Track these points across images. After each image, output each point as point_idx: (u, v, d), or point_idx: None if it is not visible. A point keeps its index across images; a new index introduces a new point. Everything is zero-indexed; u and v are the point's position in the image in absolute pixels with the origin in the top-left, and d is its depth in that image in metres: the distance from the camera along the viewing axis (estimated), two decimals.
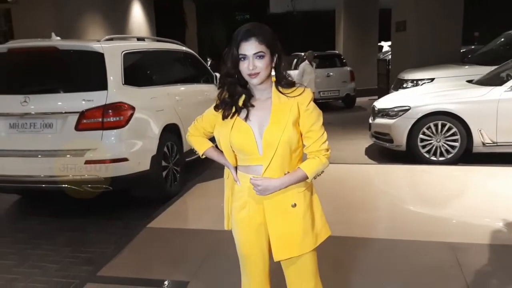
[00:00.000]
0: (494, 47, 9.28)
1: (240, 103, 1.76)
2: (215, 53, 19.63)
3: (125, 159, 4.09)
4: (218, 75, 6.66)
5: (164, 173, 4.63)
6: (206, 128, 1.90)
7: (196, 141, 1.95)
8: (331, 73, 11.82)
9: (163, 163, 4.62)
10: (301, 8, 20.54)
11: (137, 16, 17.33)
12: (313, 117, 1.75)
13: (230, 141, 1.75)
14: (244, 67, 1.69)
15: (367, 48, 14.25)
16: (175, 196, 4.72)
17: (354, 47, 13.97)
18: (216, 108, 1.80)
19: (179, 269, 3.21)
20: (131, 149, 4.18)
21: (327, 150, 1.79)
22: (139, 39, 6.06)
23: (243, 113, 1.76)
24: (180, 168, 5.01)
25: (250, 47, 1.67)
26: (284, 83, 1.75)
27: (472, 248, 3.31)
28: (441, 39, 9.60)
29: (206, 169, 5.47)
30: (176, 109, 5.00)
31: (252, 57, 1.67)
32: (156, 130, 4.50)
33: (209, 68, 6.57)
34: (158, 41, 6.06)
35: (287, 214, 1.79)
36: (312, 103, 1.77)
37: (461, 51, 11.80)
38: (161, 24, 18.86)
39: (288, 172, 1.75)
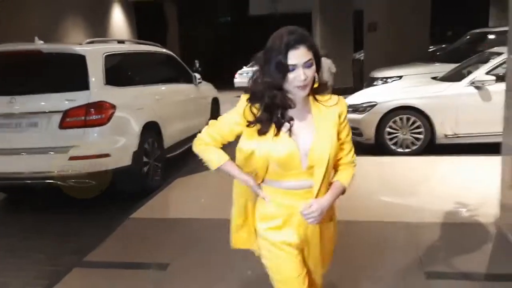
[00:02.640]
0: (460, 45, 9.78)
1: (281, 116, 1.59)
2: (199, 54, 19.90)
3: (107, 155, 4.35)
4: (197, 75, 6.95)
5: (145, 169, 4.90)
6: (226, 137, 1.69)
7: (209, 151, 1.70)
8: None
9: (145, 159, 4.89)
10: (279, 10, 20.96)
11: (118, 18, 17.50)
12: (347, 128, 1.67)
13: (270, 156, 1.58)
14: (292, 78, 1.51)
15: (343, 48, 14.67)
16: (156, 190, 4.99)
17: (331, 47, 14.36)
18: (251, 124, 1.59)
19: (160, 253, 3.49)
20: (113, 145, 4.44)
21: (355, 165, 1.73)
22: (119, 41, 6.30)
23: (284, 127, 1.59)
24: (161, 163, 5.29)
25: (300, 55, 1.49)
26: (321, 90, 1.62)
27: (426, 227, 3.67)
28: (410, 38, 10.06)
29: (186, 165, 5.75)
30: (156, 108, 5.27)
31: (302, 66, 1.50)
32: (136, 127, 4.76)
33: (187, 68, 6.85)
34: (138, 43, 6.32)
35: (327, 230, 1.74)
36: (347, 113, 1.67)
37: (432, 49, 12.32)
38: (142, 27, 19.06)
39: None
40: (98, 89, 4.38)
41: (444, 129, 5.99)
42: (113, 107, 4.39)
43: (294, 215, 1.64)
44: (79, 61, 4.31)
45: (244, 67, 16.97)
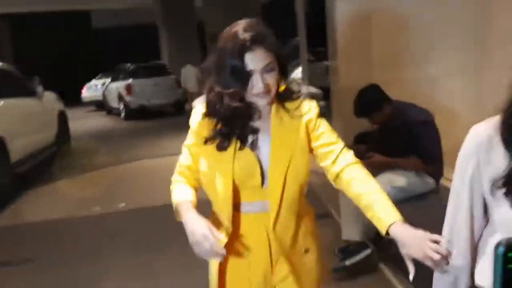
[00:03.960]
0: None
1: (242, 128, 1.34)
2: (40, 70, 18.61)
3: None
4: (40, 87, 6.88)
5: None
6: (193, 168, 1.39)
7: (174, 192, 1.38)
8: (158, 82, 12.58)
9: None
10: (123, 23, 20.87)
11: None
12: (327, 132, 1.36)
13: (234, 173, 1.31)
14: (250, 85, 1.26)
15: (190, 58, 15.46)
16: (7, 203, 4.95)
17: (179, 56, 14.99)
18: (208, 142, 1.32)
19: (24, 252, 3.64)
20: None
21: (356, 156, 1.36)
22: None
23: (248, 140, 1.35)
24: (9, 177, 5.21)
25: (257, 59, 1.24)
26: (289, 96, 1.36)
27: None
28: None
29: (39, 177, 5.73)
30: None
31: (261, 72, 1.26)
32: None
33: (27, 81, 6.74)
34: None
35: (302, 266, 1.41)
36: (321, 118, 1.38)
37: None
38: None
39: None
40: None
41: None
42: None
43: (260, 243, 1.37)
44: None
45: (93, 80, 16.58)
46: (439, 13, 3.29)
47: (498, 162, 1.02)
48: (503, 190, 1.01)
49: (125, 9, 20.03)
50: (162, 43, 16.86)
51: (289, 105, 1.35)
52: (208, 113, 1.32)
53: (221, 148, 1.31)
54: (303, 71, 4.85)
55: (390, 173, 2.67)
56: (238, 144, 1.32)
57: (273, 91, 1.29)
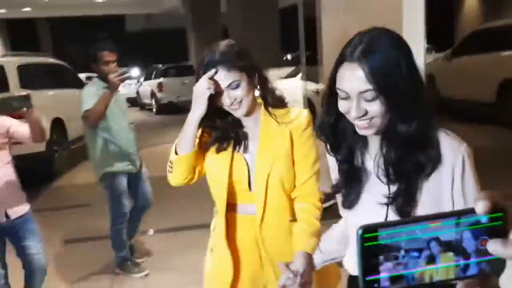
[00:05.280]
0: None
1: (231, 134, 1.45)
2: (78, 68, 20.21)
3: None
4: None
5: None
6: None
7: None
8: (186, 81, 13.92)
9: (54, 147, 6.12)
10: (154, 27, 22.41)
11: None
12: (306, 148, 1.41)
13: (229, 176, 1.41)
14: (220, 101, 1.37)
15: None
16: None
17: None
18: (208, 146, 1.46)
19: None
20: None
21: (320, 200, 1.42)
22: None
23: (240, 144, 1.45)
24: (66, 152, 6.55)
25: (221, 79, 1.34)
26: (271, 103, 1.44)
27: None
28: (265, 50, 12.43)
29: None
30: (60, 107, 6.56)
31: (226, 89, 1.35)
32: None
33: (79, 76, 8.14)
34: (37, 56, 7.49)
35: None
36: (310, 130, 1.41)
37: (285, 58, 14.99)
38: (16, 43, 19.06)
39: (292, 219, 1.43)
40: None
41: None
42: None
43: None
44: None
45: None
46: None
47: (334, 168, 1.13)
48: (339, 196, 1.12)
49: (157, 14, 21.55)
50: (190, 45, 18.32)
51: (276, 111, 1.43)
52: (203, 121, 1.40)
53: (220, 150, 1.43)
54: (302, 72, 5.88)
55: None
56: (235, 149, 1.44)
57: (246, 102, 1.37)
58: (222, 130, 1.43)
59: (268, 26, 12.77)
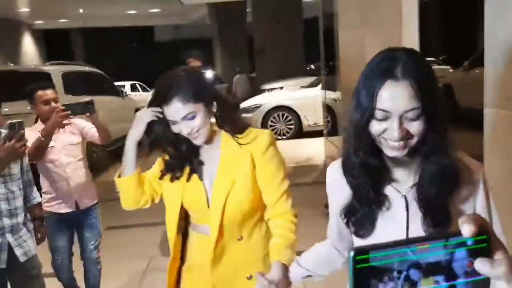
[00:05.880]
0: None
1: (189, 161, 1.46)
2: (109, 75, 21.13)
3: None
4: (123, 91, 8.81)
5: None
6: (152, 181, 1.53)
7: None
8: None
9: None
10: (182, 37, 23.16)
11: (28, 46, 18.37)
12: (271, 169, 1.41)
13: (182, 202, 1.45)
14: (178, 131, 1.37)
15: (241, 67, 17.35)
16: None
17: (230, 67, 16.88)
18: (163, 176, 1.47)
19: None
20: None
21: (295, 216, 1.44)
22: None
23: (195, 170, 1.47)
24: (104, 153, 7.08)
25: (175, 112, 1.33)
26: (230, 131, 1.42)
27: None
28: (289, 60, 12.87)
29: None
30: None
31: (183, 121, 1.34)
32: None
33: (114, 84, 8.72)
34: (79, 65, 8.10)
35: None
36: (272, 150, 1.42)
37: (309, 68, 15.36)
38: (52, 53, 20.06)
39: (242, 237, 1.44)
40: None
41: (308, 120, 8.56)
42: None
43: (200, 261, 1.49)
44: (46, 77, 6.01)
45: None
46: None
47: (345, 195, 1.07)
48: (345, 220, 1.09)
49: (184, 25, 22.27)
50: (216, 55, 18.89)
51: (237, 134, 1.42)
52: (159, 147, 1.46)
53: (174, 179, 1.45)
54: (322, 81, 6.26)
55: None
56: (189, 175, 1.45)
57: (203, 132, 1.37)
58: (176, 158, 1.44)
59: (293, 37, 13.21)
